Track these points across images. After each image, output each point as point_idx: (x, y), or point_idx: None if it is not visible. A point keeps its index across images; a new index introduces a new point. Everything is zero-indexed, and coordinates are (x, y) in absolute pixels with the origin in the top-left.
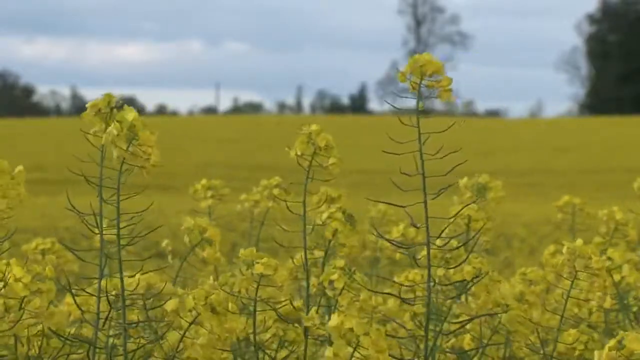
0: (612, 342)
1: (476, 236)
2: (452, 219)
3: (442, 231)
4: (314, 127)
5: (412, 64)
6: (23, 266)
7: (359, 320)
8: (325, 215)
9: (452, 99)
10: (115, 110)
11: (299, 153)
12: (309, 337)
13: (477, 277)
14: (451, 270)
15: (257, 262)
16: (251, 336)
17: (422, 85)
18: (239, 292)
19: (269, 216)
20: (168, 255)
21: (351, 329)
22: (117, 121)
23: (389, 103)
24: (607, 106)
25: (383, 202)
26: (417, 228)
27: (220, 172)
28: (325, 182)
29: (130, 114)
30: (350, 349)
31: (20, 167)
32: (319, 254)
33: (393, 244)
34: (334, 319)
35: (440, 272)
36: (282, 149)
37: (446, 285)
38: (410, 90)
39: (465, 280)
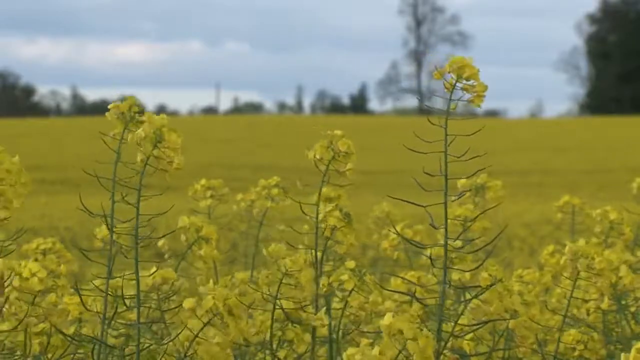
0: None
1: (495, 238)
2: (471, 222)
3: (460, 234)
4: (337, 132)
5: (452, 65)
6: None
7: (410, 324)
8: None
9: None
10: (137, 113)
11: (318, 157)
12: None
13: (492, 284)
14: (467, 274)
15: (285, 258)
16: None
17: (457, 87)
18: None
19: (268, 216)
20: (165, 254)
21: (401, 331)
22: (145, 123)
23: (417, 99)
24: (607, 106)
25: (406, 201)
26: (436, 229)
27: (221, 172)
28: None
29: (159, 117)
30: (396, 351)
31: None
32: (319, 254)
33: (412, 243)
34: (387, 318)
35: (456, 275)
36: (282, 149)
37: (459, 288)
38: (446, 91)
39: (479, 285)
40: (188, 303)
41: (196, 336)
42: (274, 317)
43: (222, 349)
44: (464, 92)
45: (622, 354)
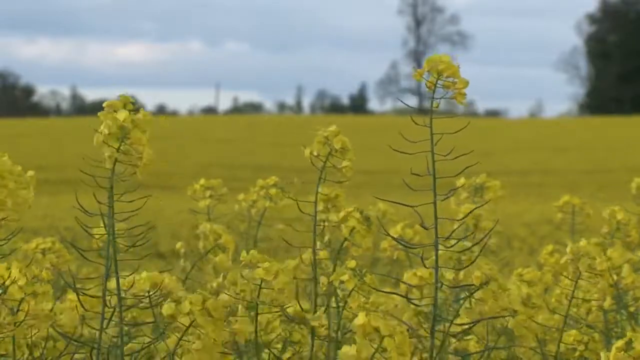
0: (619, 343)
1: (484, 238)
2: (461, 220)
3: (452, 232)
4: (332, 128)
5: (430, 64)
6: (24, 268)
7: (386, 321)
8: (342, 214)
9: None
10: (131, 112)
11: (315, 153)
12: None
13: (485, 282)
14: (460, 273)
15: (259, 267)
16: (252, 337)
17: (438, 86)
18: (243, 295)
19: (267, 216)
20: (181, 257)
21: (377, 329)
22: (108, 119)
23: (403, 102)
24: (607, 106)
25: (393, 202)
26: (427, 229)
27: (220, 172)
28: (338, 184)
29: (122, 114)
30: (372, 350)
31: (31, 172)
32: (323, 254)
33: (403, 244)
34: (361, 317)
35: (449, 275)
36: (282, 149)
37: (454, 288)
38: (427, 90)
39: (473, 285)
40: (167, 309)
41: (180, 340)
42: (272, 319)
43: (202, 354)
44: (446, 90)
45: (602, 353)
